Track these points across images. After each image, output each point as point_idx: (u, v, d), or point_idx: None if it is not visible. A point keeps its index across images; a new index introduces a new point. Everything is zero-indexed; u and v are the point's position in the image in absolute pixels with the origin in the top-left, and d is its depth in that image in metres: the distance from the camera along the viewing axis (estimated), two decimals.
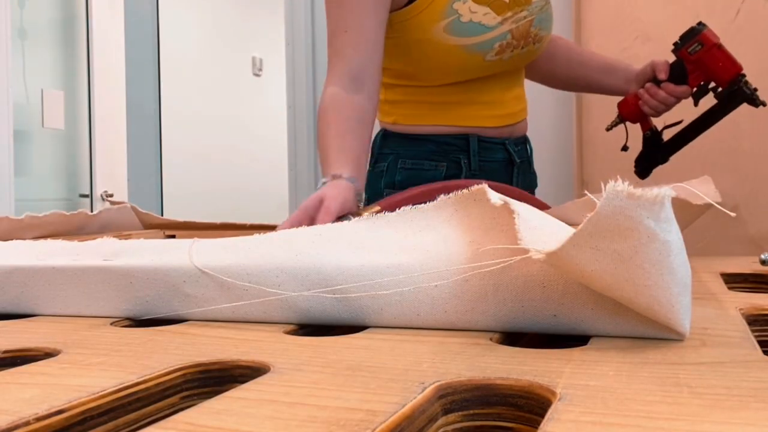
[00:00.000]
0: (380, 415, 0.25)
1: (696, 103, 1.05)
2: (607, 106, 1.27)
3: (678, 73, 1.05)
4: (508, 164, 1.12)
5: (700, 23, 1.05)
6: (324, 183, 0.84)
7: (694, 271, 0.62)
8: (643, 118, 1.11)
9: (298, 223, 0.78)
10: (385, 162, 1.14)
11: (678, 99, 1.05)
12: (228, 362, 0.34)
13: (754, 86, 1.01)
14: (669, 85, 1.05)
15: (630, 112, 1.12)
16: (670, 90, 1.05)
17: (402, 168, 1.12)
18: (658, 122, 1.12)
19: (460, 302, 0.40)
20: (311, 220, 0.79)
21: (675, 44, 1.06)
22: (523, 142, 1.16)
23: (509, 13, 1.02)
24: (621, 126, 1.15)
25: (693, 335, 0.37)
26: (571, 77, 1.21)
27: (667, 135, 1.11)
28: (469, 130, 1.09)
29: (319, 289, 0.42)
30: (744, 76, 1.01)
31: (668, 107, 1.07)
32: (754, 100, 1.01)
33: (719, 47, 1.02)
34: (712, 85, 1.04)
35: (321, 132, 0.93)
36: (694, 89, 1.04)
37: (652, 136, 1.10)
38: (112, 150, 3.00)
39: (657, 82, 1.07)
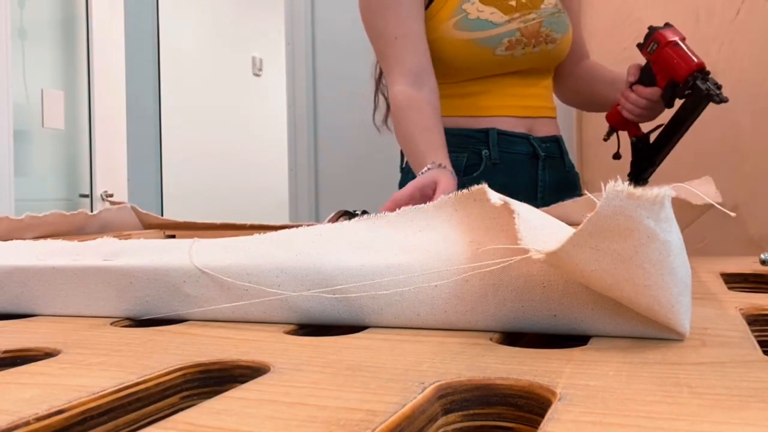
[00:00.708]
0: (380, 415, 0.25)
1: (667, 104, 1.02)
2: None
3: (647, 74, 1.03)
4: (532, 157, 1.13)
5: (666, 24, 1.03)
6: (429, 169, 0.93)
7: (694, 271, 0.62)
8: (628, 125, 1.08)
9: (410, 198, 0.87)
10: None
11: (650, 101, 1.04)
12: (228, 362, 0.34)
13: (718, 83, 0.96)
14: (639, 87, 1.04)
15: (614, 119, 1.10)
16: (639, 92, 1.04)
17: None
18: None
19: (460, 302, 0.40)
20: (425, 198, 0.88)
21: (638, 45, 1.05)
22: (554, 141, 1.17)
23: (516, 14, 1.07)
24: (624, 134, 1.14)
25: (693, 335, 0.37)
26: (594, 94, 1.22)
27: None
28: (487, 122, 1.11)
29: (319, 289, 0.42)
30: (703, 72, 0.96)
31: (645, 110, 1.05)
32: (711, 97, 0.95)
33: (675, 44, 0.98)
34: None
35: (404, 128, 1.04)
36: (663, 90, 1.02)
37: (637, 142, 1.08)
38: (112, 150, 3.01)
39: (631, 85, 1.06)
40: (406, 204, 0.82)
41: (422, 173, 0.94)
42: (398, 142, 1.07)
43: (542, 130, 1.15)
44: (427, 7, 1.10)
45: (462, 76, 1.11)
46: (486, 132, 1.11)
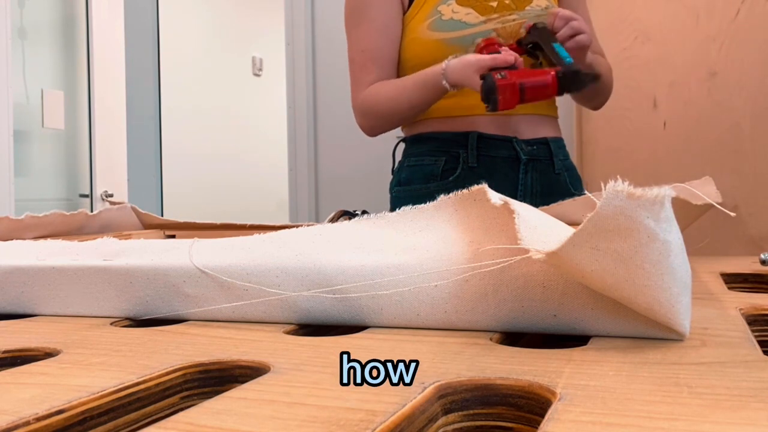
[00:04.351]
0: (380, 415, 0.25)
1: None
2: (608, 105, 1.27)
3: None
4: (513, 161, 1.12)
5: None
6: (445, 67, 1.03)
7: (694, 271, 0.62)
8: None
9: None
10: (399, 164, 1.22)
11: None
12: (228, 362, 0.34)
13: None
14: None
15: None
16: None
17: (407, 166, 1.17)
18: None
19: (460, 302, 0.39)
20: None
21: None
22: (543, 143, 1.15)
23: (495, 15, 1.08)
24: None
25: (693, 335, 0.37)
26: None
27: None
28: (468, 122, 1.11)
29: (319, 289, 0.42)
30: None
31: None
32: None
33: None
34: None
35: (387, 93, 1.10)
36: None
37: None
38: (112, 150, 3.00)
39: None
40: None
41: (445, 67, 1.01)
42: (389, 110, 1.11)
43: (531, 131, 1.14)
44: (405, 12, 1.14)
45: None
46: (466, 135, 1.11)
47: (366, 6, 1.13)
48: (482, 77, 0.96)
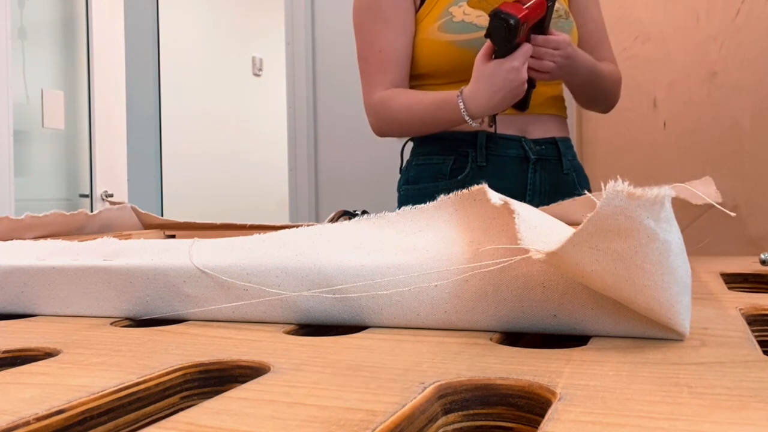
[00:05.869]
0: (380, 415, 0.25)
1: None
2: None
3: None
4: (522, 161, 1.12)
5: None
6: (461, 93, 1.02)
7: (694, 271, 0.62)
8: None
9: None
10: (407, 163, 1.22)
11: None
12: (228, 362, 0.34)
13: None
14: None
15: None
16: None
17: (415, 165, 1.18)
18: None
19: (460, 302, 0.39)
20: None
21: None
22: (551, 142, 1.16)
23: None
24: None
25: (693, 335, 0.37)
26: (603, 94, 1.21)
27: None
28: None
29: (319, 289, 0.42)
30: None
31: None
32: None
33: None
34: None
35: (401, 103, 1.10)
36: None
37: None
38: (112, 150, 3.00)
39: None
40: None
41: (459, 101, 1.01)
42: (400, 123, 1.10)
43: (539, 130, 1.14)
44: (417, 11, 1.13)
45: (449, 78, 1.11)
46: (475, 134, 1.11)
47: (381, 4, 1.12)
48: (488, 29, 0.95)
